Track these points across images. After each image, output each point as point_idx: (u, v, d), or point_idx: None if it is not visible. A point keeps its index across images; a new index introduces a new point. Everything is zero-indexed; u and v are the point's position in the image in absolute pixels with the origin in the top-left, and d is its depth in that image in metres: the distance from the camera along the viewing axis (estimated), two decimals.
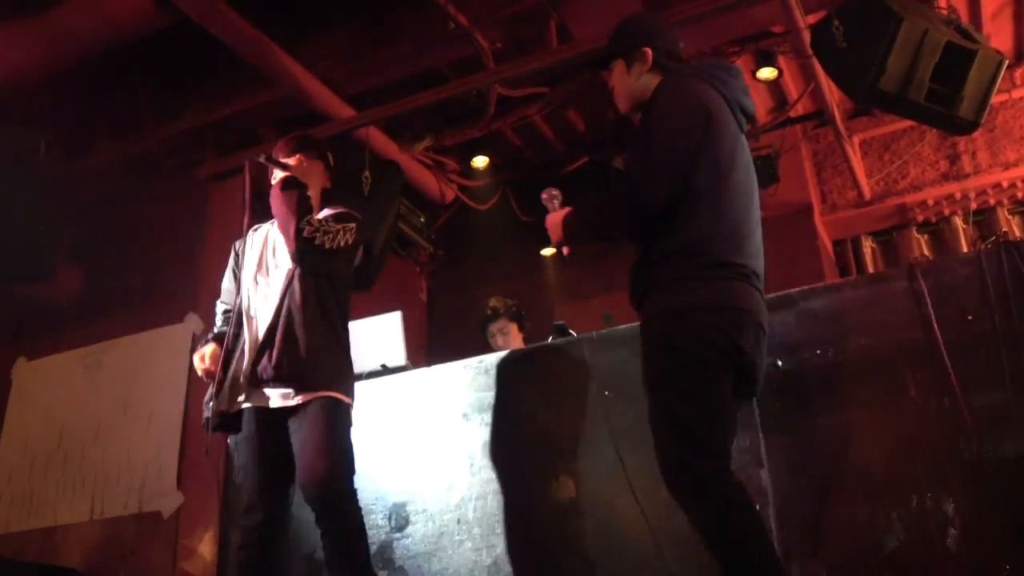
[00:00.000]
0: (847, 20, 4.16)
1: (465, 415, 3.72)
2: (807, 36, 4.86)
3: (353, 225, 3.29)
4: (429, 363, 4.17)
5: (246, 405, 3.21)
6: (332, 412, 3.12)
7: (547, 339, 3.97)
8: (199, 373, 3.38)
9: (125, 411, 5.49)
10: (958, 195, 6.79)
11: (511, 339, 4.93)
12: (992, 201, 6.76)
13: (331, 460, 3.06)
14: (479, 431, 3.65)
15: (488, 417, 3.67)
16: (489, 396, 3.70)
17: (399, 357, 4.53)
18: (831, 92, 5.98)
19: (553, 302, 7.45)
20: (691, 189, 2.53)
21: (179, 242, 5.93)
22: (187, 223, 5.92)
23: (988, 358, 2.91)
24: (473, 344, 5.00)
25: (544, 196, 3.05)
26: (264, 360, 3.13)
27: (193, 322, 5.51)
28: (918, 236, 7.03)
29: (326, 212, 3.36)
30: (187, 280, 5.69)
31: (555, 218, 2.89)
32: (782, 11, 4.86)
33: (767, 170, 6.46)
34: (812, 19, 4.96)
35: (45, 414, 5.78)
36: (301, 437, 3.09)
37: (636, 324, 3.34)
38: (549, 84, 6.10)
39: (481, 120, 6.20)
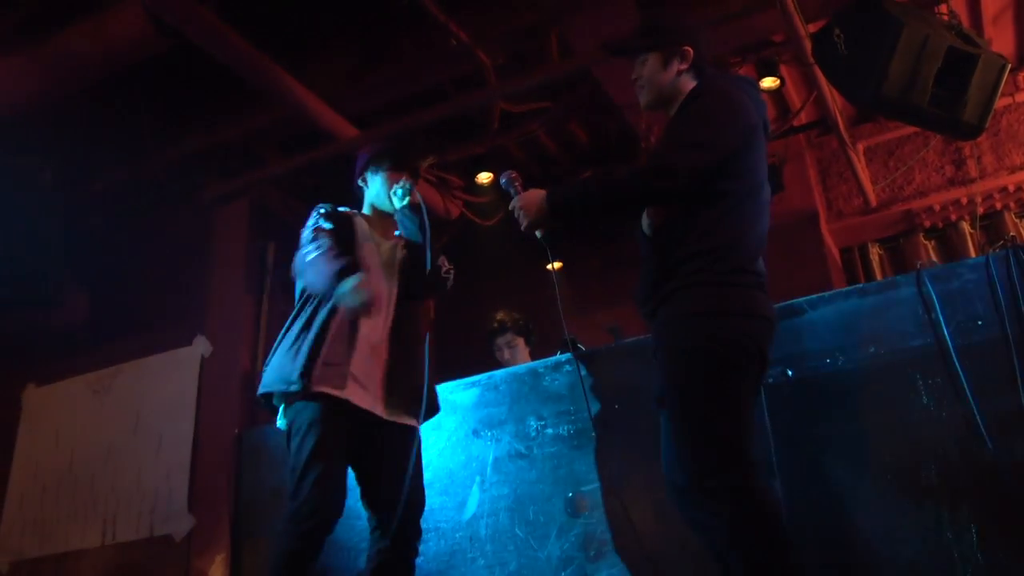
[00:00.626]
0: (848, 27, 4.15)
1: (475, 431, 3.72)
2: (808, 44, 4.86)
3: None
4: (438, 380, 4.16)
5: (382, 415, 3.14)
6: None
7: (555, 353, 3.97)
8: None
9: (135, 435, 5.48)
10: (964, 200, 6.77)
11: (518, 353, 4.92)
12: (999, 205, 6.73)
13: None
14: (489, 447, 3.64)
15: (498, 433, 3.66)
16: (499, 412, 3.69)
17: None
18: (834, 100, 5.97)
19: (560, 316, 7.44)
20: (726, 195, 2.51)
21: (185, 265, 5.94)
22: (193, 246, 5.93)
23: (1000, 363, 2.90)
24: (481, 360, 4.99)
25: (503, 180, 2.98)
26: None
27: (201, 344, 5.51)
28: (925, 242, 7.01)
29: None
30: (194, 302, 5.69)
31: (531, 195, 2.73)
32: (783, 20, 4.86)
33: (772, 179, 6.39)
34: (813, 27, 4.95)
35: (55, 440, 5.78)
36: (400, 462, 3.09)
37: (644, 336, 3.33)
38: (551, 98, 6.11)
39: (484, 136, 6.21)
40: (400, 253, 3.41)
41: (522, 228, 2.75)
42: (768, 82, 6.12)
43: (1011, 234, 6.19)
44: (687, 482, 2.41)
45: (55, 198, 5.51)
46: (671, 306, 2.54)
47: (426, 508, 3.15)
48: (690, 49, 2.75)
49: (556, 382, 3.67)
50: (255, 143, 6.06)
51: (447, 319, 7.89)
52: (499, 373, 3.84)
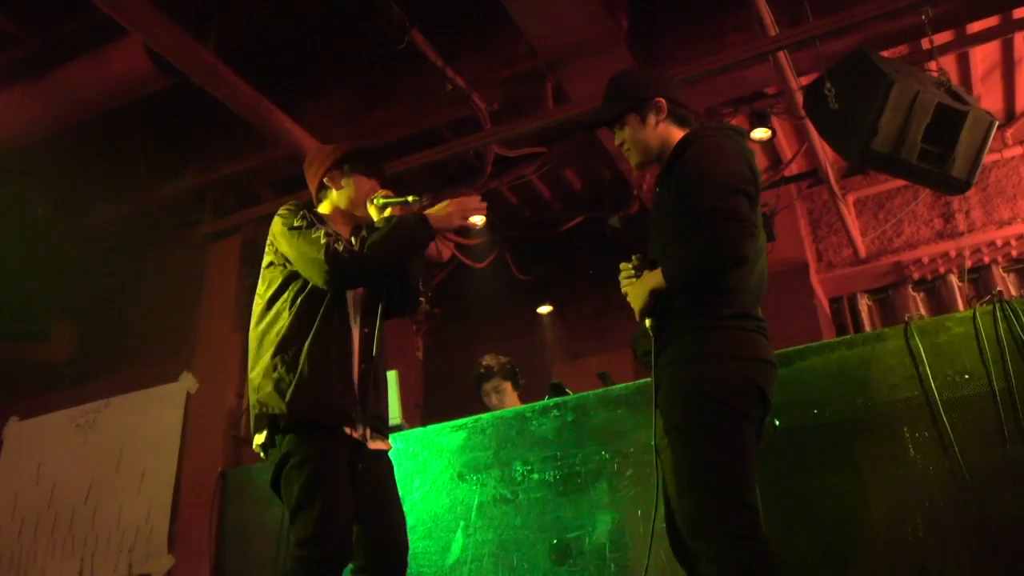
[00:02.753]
0: (839, 82, 4.21)
1: (460, 475, 3.69)
2: (800, 97, 4.93)
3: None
4: (425, 422, 4.15)
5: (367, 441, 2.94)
6: None
7: (543, 398, 3.95)
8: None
9: (117, 471, 5.42)
10: (953, 253, 6.82)
11: (506, 397, 4.90)
12: (987, 259, 6.79)
13: None
14: (474, 492, 3.61)
15: (484, 477, 3.63)
16: (485, 456, 3.67)
17: (394, 416, 4.49)
18: (825, 152, 6.04)
19: (550, 361, 7.44)
20: (739, 265, 2.50)
21: (176, 301, 5.92)
22: (184, 282, 5.92)
23: (986, 417, 2.90)
24: (469, 403, 4.97)
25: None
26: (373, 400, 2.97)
27: (188, 381, 5.48)
28: (914, 294, 7.05)
29: None
30: (183, 339, 5.67)
31: (639, 286, 2.65)
32: (775, 73, 4.93)
33: (764, 228, 6.49)
34: (805, 80, 5.03)
35: (36, 474, 5.71)
36: (387, 491, 2.96)
37: (632, 383, 3.33)
38: (546, 144, 6.16)
39: (478, 179, 6.25)
40: None
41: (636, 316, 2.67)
42: (760, 133, 6.19)
43: (999, 288, 6.23)
44: (689, 528, 2.38)
45: (47, 231, 5.51)
46: (673, 350, 2.53)
47: (409, 552, 3.12)
48: (662, 100, 2.77)
49: (543, 427, 3.65)
50: (250, 181, 6.08)
51: (435, 361, 7.88)
52: (486, 416, 3.82)
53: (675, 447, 2.46)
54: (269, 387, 2.80)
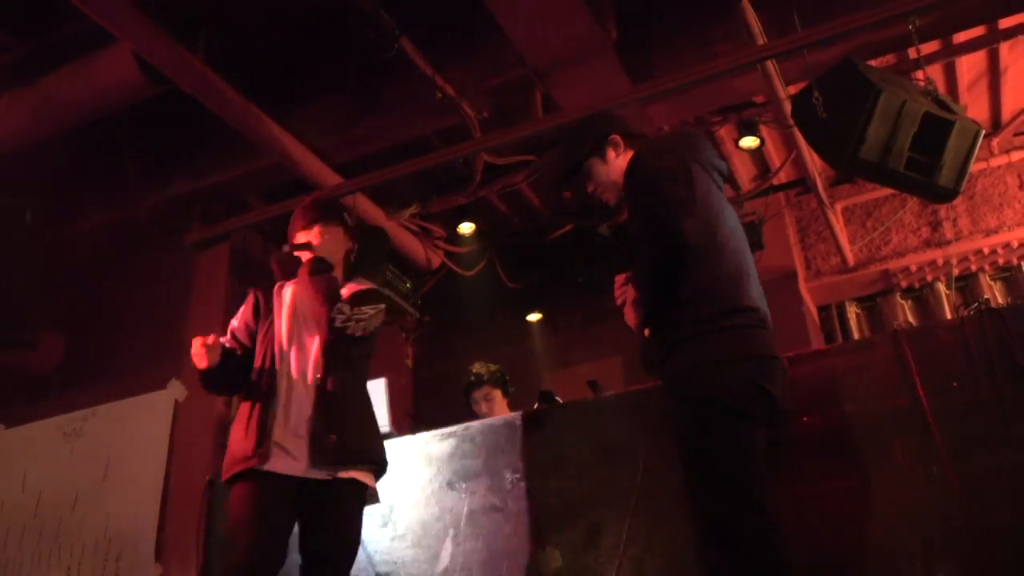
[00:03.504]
0: (827, 91, 4.23)
1: (450, 483, 3.68)
2: (788, 106, 4.95)
3: (383, 306, 3.24)
4: (414, 430, 4.14)
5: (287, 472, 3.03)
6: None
7: (533, 406, 3.94)
8: (200, 348, 3.09)
9: (104, 479, 5.39)
10: (940, 261, 6.86)
11: (495, 405, 4.89)
12: (974, 267, 6.83)
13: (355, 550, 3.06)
14: (464, 500, 3.60)
15: (473, 486, 3.62)
16: (474, 464, 3.66)
17: (383, 424, 4.48)
18: (813, 160, 6.06)
19: (540, 369, 7.43)
20: (685, 246, 2.53)
21: (163, 309, 5.90)
22: (172, 290, 5.91)
23: (974, 424, 2.91)
24: (459, 411, 4.96)
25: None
26: (321, 432, 3.04)
27: (176, 389, 5.46)
28: (902, 302, 7.08)
29: (353, 288, 3.28)
30: (171, 347, 5.64)
31: (628, 312, 2.76)
32: (763, 81, 4.95)
33: (751, 237, 6.50)
34: (793, 89, 5.05)
35: (22, 483, 5.67)
36: (335, 517, 3.05)
37: (623, 392, 3.33)
38: (535, 152, 6.16)
39: (467, 187, 6.25)
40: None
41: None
42: (748, 141, 6.22)
43: (986, 296, 6.26)
44: (703, 536, 2.38)
45: (35, 239, 5.48)
46: (672, 361, 2.55)
47: (398, 561, 3.10)
48: (616, 136, 2.89)
49: (533, 435, 3.64)
50: (239, 189, 6.07)
51: (425, 369, 7.86)
52: (475, 424, 3.81)
53: (684, 456, 2.46)
54: None
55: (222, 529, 4.54)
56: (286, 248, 3.32)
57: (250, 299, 3.40)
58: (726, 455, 2.39)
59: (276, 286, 3.37)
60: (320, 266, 3.20)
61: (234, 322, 3.39)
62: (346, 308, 3.09)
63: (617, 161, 2.87)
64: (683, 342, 2.52)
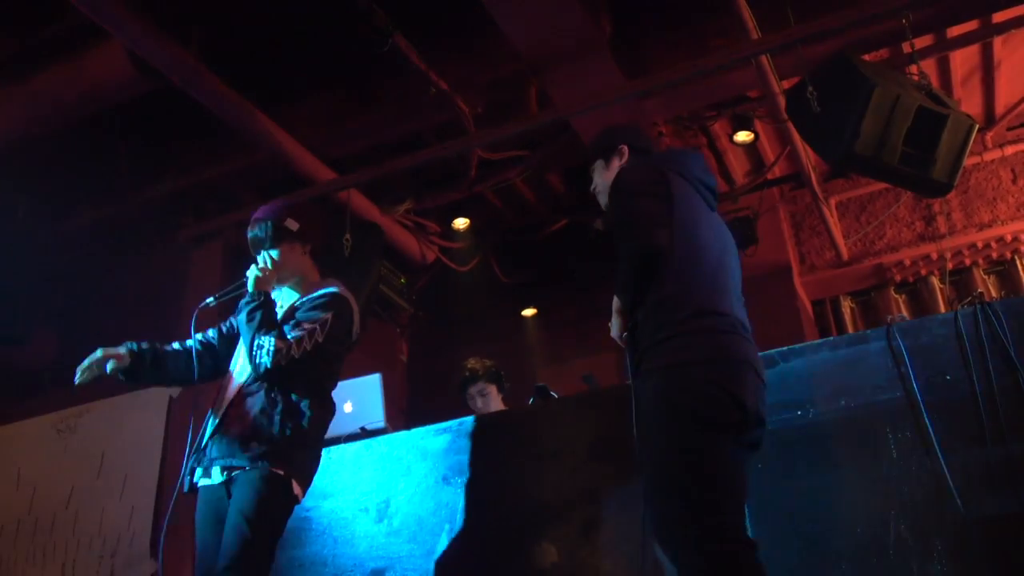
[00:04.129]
0: (821, 85, 4.23)
1: (445, 479, 3.68)
2: (782, 101, 4.95)
3: (327, 317, 3.11)
4: (409, 426, 4.13)
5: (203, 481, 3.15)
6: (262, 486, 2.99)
7: (528, 401, 3.95)
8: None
9: (98, 476, 5.39)
10: (934, 255, 6.87)
11: (490, 401, 4.89)
12: (968, 261, 6.84)
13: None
14: (459, 495, 3.60)
15: (468, 481, 3.62)
16: (470, 459, 3.66)
17: (378, 419, 4.48)
18: (807, 155, 6.07)
19: (534, 364, 7.44)
20: (655, 256, 2.57)
21: (157, 305, 5.89)
22: (166, 286, 5.89)
23: (968, 418, 2.92)
24: (454, 406, 4.96)
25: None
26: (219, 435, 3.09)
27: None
28: (896, 296, 7.09)
29: (307, 299, 3.24)
30: (164, 343, 5.62)
31: (613, 319, 2.79)
32: (758, 77, 4.96)
33: (746, 232, 6.53)
34: (787, 84, 5.06)
35: (16, 480, 5.66)
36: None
37: (618, 385, 3.33)
38: (529, 147, 6.16)
39: (462, 183, 6.25)
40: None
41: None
42: (743, 136, 6.22)
43: (979, 290, 6.27)
44: (656, 535, 2.37)
45: (28, 235, 5.47)
46: (644, 365, 2.56)
47: (394, 556, 3.10)
48: (624, 147, 3.03)
49: (528, 430, 3.64)
50: (232, 185, 6.06)
51: (420, 365, 7.86)
52: (470, 419, 3.81)
53: (649, 460, 2.45)
54: None
55: None
56: (212, 300, 3.35)
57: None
58: (690, 463, 2.35)
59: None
60: (257, 303, 3.17)
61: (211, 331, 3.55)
62: (277, 342, 3.02)
63: (615, 172, 2.98)
64: (653, 347, 2.52)
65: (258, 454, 2.97)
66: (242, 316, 3.14)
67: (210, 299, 3.29)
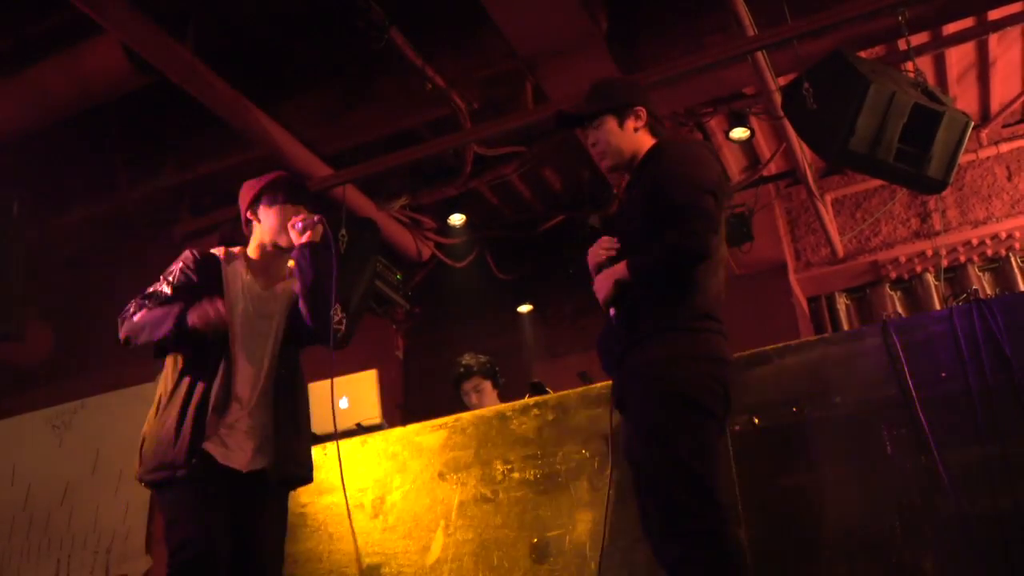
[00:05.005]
0: (817, 82, 4.24)
1: (441, 475, 3.68)
2: (778, 98, 4.95)
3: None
4: (405, 421, 4.14)
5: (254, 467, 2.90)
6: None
7: (523, 397, 3.95)
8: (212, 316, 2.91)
9: (93, 472, 5.38)
10: (929, 252, 6.88)
11: (485, 396, 4.89)
12: (963, 259, 6.85)
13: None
14: (455, 491, 3.61)
15: (464, 477, 3.62)
16: (465, 455, 3.66)
17: (374, 415, 4.49)
18: (803, 152, 6.07)
19: (530, 360, 7.43)
20: (704, 261, 2.55)
21: None
22: None
23: (963, 415, 2.92)
24: (450, 402, 4.96)
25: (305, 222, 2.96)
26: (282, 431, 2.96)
27: None
28: (891, 293, 7.10)
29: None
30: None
31: (602, 278, 2.69)
32: (754, 73, 4.95)
33: (741, 228, 6.53)
34: (783, 81, 5.05)
35: (11, 475, 5.65)
36: (269, 519, 2.94)
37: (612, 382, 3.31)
38: (525, 143, 6.16)
39: (458, 179, 6.24)
40: (286, 299, 3.13)
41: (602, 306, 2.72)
42: (738, 133, 6.22)
43: (974, 287, 6.28)
44: (663, 527, 2.39)
45: (22, 230, 5.45)
46: (640, 353, 2.54)
47: (389, 552, 3.10)
48: (643, 109, 2.81)
49: (524, 426, 3.65)
50: (228, 181, 6.04)
51: (415, 361, 7.86)
52: (466, 416, 3.81)
53: (646, 449, 2.47)
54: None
55: None
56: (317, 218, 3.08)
57: (197, 261, 3.17)
58: (692, 450, 2.41)
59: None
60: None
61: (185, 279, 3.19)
62: (339, 310, 3.01)
63: (633, 135, 2.79)
64: (652, 337, 2.53)
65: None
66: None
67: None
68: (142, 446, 3.01)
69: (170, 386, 3.05)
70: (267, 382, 3.00)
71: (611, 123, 2.81)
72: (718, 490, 2.41)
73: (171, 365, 3.09)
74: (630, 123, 2.80)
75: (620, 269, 2.62)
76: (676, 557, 2.36)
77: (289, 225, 3.05)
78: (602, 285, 2.66)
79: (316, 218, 3.03)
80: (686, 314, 2.53)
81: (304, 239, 3.00)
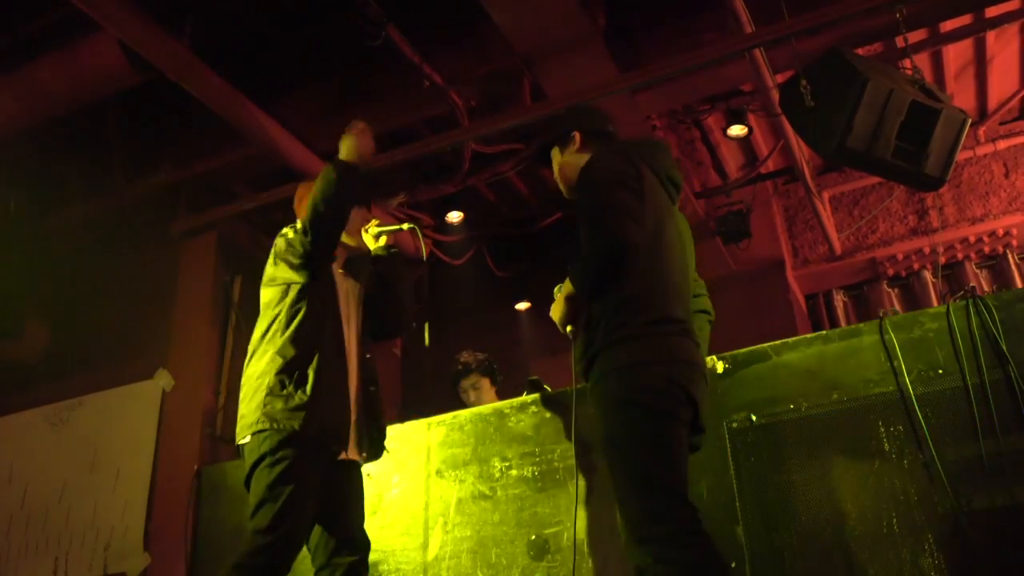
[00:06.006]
0: (815, 80, 4.24)
1: (439, 472, 3.68)
2: (776, 95, 4.96)
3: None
4: (403, 418, 4.14)
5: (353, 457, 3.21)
6: None
7: (521, 394, 3.95)
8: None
9: (92, 470, 5.37)
10: (927, 250, 6.89)
11: (483, 394, 4.90)
12: (960, 256, 6.86)
13: None
14: (453, 488, 3.61)
15: (462, 474, 3.63)
16: (463, 453, 3.67)
17: None
18: (800, 149, 6.08)
19: (528, 357, 7.44)
20: (627, 251, 2.55)
21: (150, 298, 5.87)
22: (158, 279, 5.87)
23: (960, 412, 2.93)
24: (448, 400, 4.96)
25: None
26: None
27: (163, 379, 5.44)
28: (889, 290, 7.11)
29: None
30: (157, 336, 5.62)
31: (558, 299, 2.85)
32: (751, 70, 4.95)
33: (739, 225, 6.54)
34: (781, 78, 5.06)
35: (9, 473, 5.65)
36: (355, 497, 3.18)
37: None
38: (523, 141, 6.15)
39: (455, 176, 6.23)
40: (361, 290, 3.42)
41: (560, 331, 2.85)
42: (736, 130, 6.22)
43: (972, 284, 6.29)
44: (630, 532, 2.41)
45: (19, 227, 5.44)
46: (600, 363, 2.58)
47: (387, 549, 3.12)
48: (576, 133, 2.94)
49: (521, 423, 3.65)
50: (226, 177, 6.03)
51: (414, 358, 7.85)
52: (464, 413, 3.82)
53: (611, 457, 2.51)
54: (280, 404, 2.95)
55: (209, 518, 4.55)
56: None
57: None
58: (653, 455, 2.43)
59: None
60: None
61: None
62: None
63: (571, 159, 2.91)
64: (610, 347, 2.55)
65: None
66: None
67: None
68: None
69: None
70: None
71: (555, 155, 2.99)
72: (682, 493, 2.42)
73: None
74: (570, 148, 2.94)
75: (567, 287, 2.76)
76: (648, 562, 2.36)
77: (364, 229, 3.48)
78: (556, 307, 2.81)
79: (397, 227, 3.49)
80: (637, 319, 2.54)
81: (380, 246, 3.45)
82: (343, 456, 3.11)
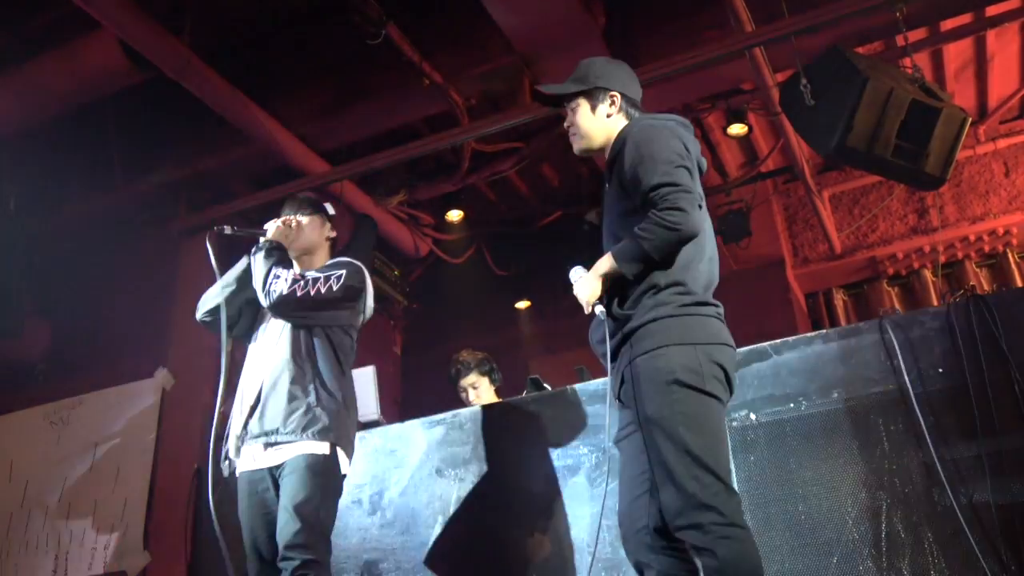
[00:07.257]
0: (815, 79, 4.24)
1: (439, 470, 3.68)
2: (776, 94, 4.96)
3: (342, 272, 3.21)
4: (403, 418, 4.14)
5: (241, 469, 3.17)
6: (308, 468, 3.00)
7: (521, 393, 3.95)
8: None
9: (91, 468, 5.37)
10: (927, 248, 6.89)
11: (482, 393, 4.89)
12: (960, 254, 6.86)
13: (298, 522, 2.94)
14: (453, 487, 3.61)
15: (462, 472, 3.63)
16: (463, 451, 3.66)
17: (372, 412, 4.48)
18: (800, 148, 6.08)
19: (527, 356, 7.44)
20: (692, 237, 2.50)
21: (149, 297, 5.87)
22: (158, 278, 5.87)
23: (959, 411, 2.93)
24: (448, 398, 4.96)
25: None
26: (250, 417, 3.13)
27: (163, 377, 5.44)
28: (889, 289, 7.11)
29: (320, 267, 3.33)
30: (157, 335, 5.62)
31: (584, 281, 2.65)
32: (752, 69, 4.95)
33: (739, 224, 6.54)
34: (781, 77, 5.06)
35: (9, 471, 5.65)
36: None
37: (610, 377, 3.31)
38: (523, 140, 6.15)
39: (455, 175, 6.24)
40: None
41: (586, 311, 2.67)
42: (736, 129, 6.22)
43: (972, 283, 6.30)
44: (676, 518, 2.32)
45: (19, 226, 5.44)
46: (638, 341, 2.50)
47: (387, 548, 3.11)
48: (617, 94, 2.78)
49: (521, 422, 3.65)
50: (225, 176, 6.03)
51: (413, 357, 7.86)
52: (464, 412, 3.82)
53: (654, 439, 2.41)
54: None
55: (209, 517, 4.54)
56: (228, 229, 3.49)
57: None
58: (701, 438, 2.35)
59: None
60: (271, 246, 3.34)
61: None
62: (294, 274, 3.19)
63: (605, 121, 2.78)
64: (648, 325, 2.49)
65: (301, 425, 3.01)
66: (260, 254, 3.25)
67: (227, 228, 3.41)
68: None
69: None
70: None
71: (584, 107, 2.79)
72: (729, 477, 2.36)
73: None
74: (602, 108, 2.78)
75: (603, 264, 2.59)
76: (692, 548, 2.31)
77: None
78: (585, 284, 2.62)
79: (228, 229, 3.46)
80: (680, 301, 2.49)
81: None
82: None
